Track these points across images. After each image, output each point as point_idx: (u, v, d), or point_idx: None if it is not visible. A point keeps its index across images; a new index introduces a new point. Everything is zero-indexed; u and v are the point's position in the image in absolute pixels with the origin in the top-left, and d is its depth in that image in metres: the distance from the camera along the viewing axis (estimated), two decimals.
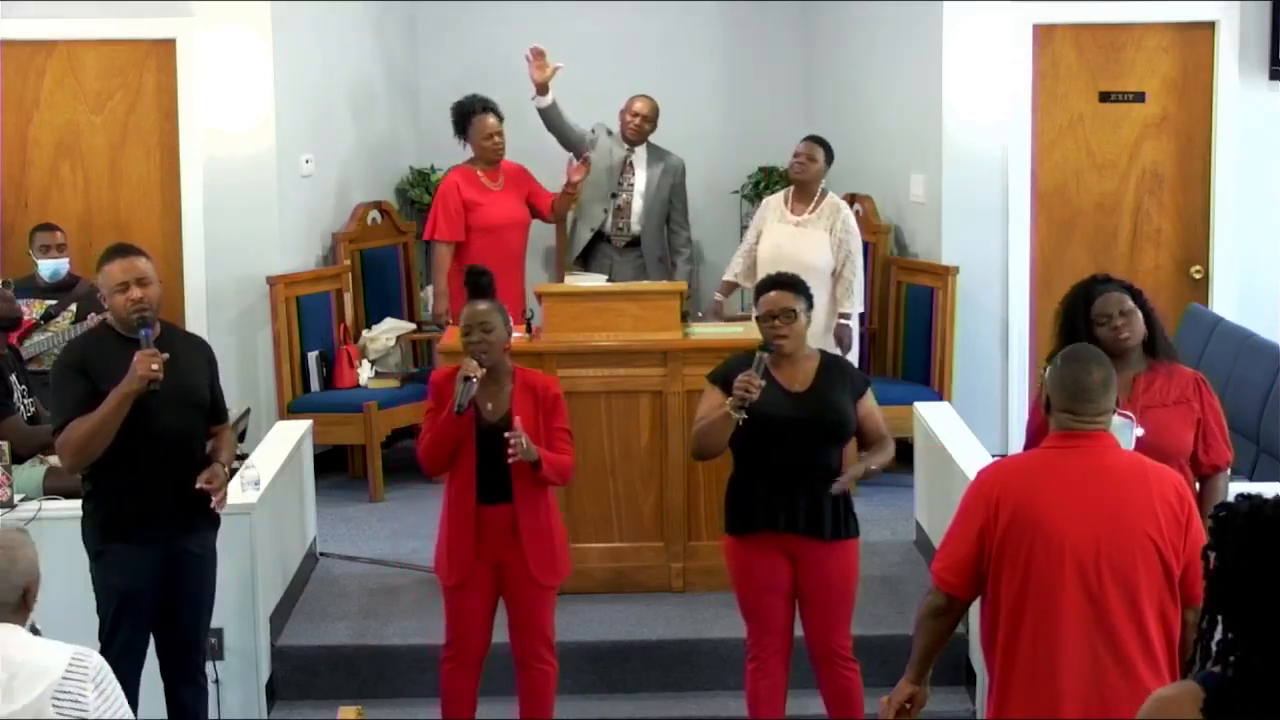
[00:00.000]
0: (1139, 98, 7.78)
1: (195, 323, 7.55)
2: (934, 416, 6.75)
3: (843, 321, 7.19)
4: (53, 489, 5.60)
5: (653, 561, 6.37)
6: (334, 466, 7.93)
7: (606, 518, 6.36)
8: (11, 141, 7.73)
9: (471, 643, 5.15)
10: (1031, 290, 7.81)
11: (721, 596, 5.77)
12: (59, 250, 7.03)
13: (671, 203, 7.93)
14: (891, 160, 8.22)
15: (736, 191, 8.80)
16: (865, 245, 7.68)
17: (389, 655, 5.91)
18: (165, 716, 5.00)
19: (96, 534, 4.83)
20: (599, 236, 7.91)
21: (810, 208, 7.23)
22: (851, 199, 7.78)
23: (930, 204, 7.93)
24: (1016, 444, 7.02)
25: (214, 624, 5.13)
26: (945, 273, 7.71)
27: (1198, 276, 7.84)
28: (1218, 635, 2.65)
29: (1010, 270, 7.81)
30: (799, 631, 5.05)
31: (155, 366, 4.63)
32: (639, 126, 7.83)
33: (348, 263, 8.09)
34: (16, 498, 5.51)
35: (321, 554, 6.82)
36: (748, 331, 6.22)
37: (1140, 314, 4.69)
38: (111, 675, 3.13)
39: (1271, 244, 7.78)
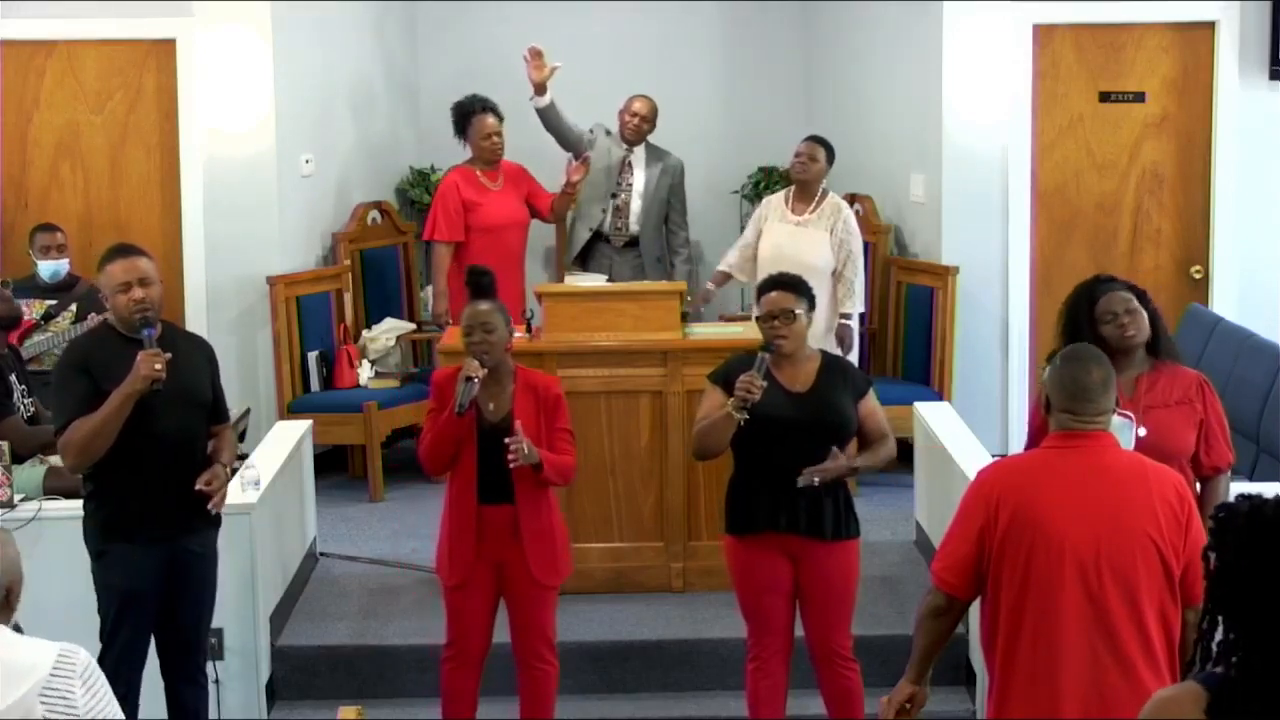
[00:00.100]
0: (1139, 98, 7.78)
1: (195, 323, 7.55)
2: (934, 416, 6.76)
3: (844, 321, 7.20)
4: (53, 489, 5.60)
5: (653, 561, 6.37)
6: (334, 466, 7.93)
7: (606, 518, 6.36)
8: (11, 141, 7.73)
9: (472, 643, 5.15)
10: (1031, 290, 7.81)
11: (721, 596, 5.77)
12: (59, 251, 7.03)
13: (670, 203, 7.93)
14: (891, 160, 8.22)
15: (736, 191, 8.80)
16: (865, 245, 7.68)
17: (389, 655, 5.91)
18: (165, 716, 5.00)
19: (98, 534, 4.83)
20: (597, 236, 7.91)
21: (811, 208, 7.24)
22: (851, 199, 7.78)
23: (930, 204, 7.93)
24: (1016, 444, 7.03)
25: (214, 624, 5.13)
26: (945, 273, 7.71)
27: (1198, 276, 7.84)
28: (1218, 636, 2.65)
29: (1010, 270, 7.81)
30: (799, 631, 5.06)
31: (158, 366, 4.63)
32: (638, 127, 7.83)
33: (348, 263, 8.09)
34: (16, 498, 5.51)
35: (321, 554, 6.82)
36: (747, 331, 6.23)
37: (1145, 313, 4.70)
38: (99, 672, 3.12)
39: (1271, 244, 7.78)
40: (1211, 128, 7.75)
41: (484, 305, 5.05)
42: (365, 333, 8.04)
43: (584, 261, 7.90)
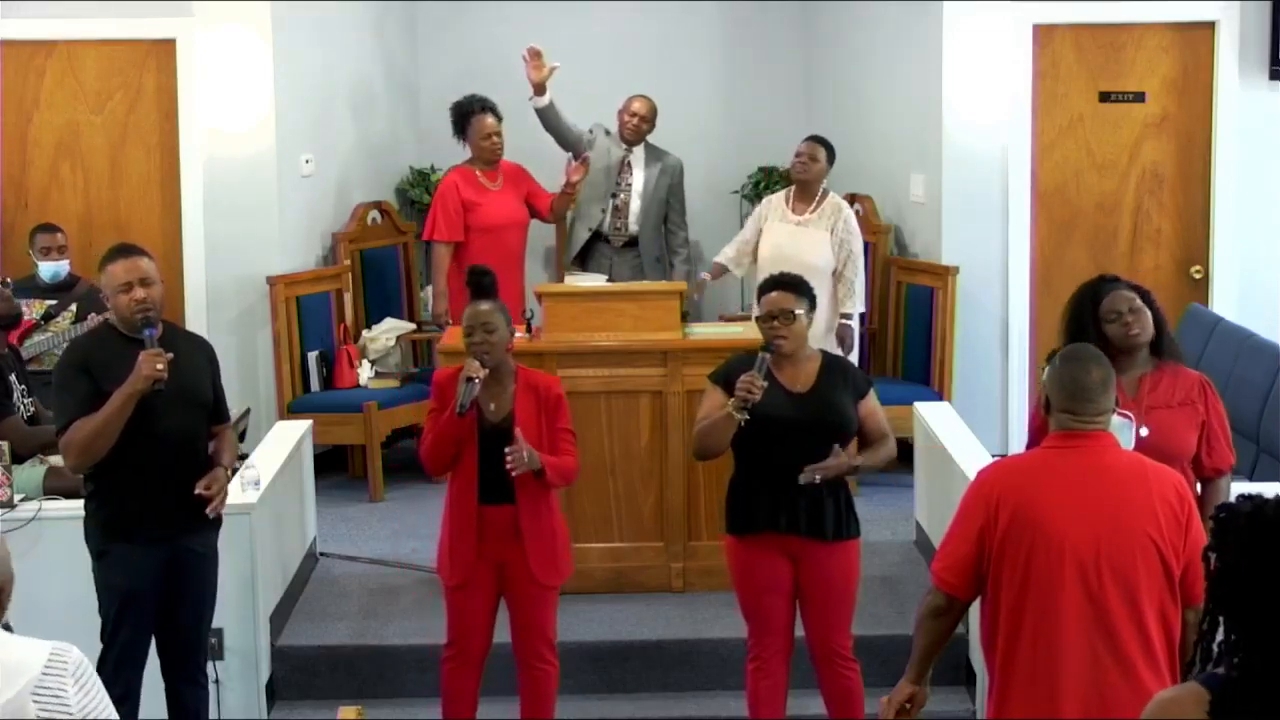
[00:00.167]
0: (1139, 98, 7.78)
1: (195, 323, 7.55)
2: (934, 416, 6.76)
3: (845, 321, 7.20)
4: (53, 489, 5.60)
5: (653, 561, 6.37)
6: (334, 466, 7.93)
7: (606, 518, 6.36)
8: (11, 141, 7.73)
9: (473, 643, 5.15)
10: (1031, 290, 7.81)
11: (721, 596, 5.77)
12: (59, 252, 7.03)
13: (669, 203, 7.94)
14: (891, 160, 8.22)
15: (736, 191, 8.80)
16: (865, 245, 7.68)
17: (389, 655, 5.91)
18: (166, 716, 5.00)
19: (99, 534, 4.83)
20: (597, 236, 7.92)
21: (811, 207, 7.24)
22: (852, 199, 7.78)
23: (930, 204, 7.93)
24: (1016, 444, 7.04)
25: (214, 624, 5.13)
26: (945, 273, 7.71)
27: (1198, 276, 7.84)
28: (1219, 636, 2.65)
29: (1010, 270, 7.81)
30: (799, 631, 5.06)
31: (160, 366, 4.63)
32: (637, 127, 7.84)
33: (348, 263, 8.09)
34: (16, 498, 5.51)
35: (321, 554, 6.82)
36: (747, 331, 6.23)
37: (1149, 313, 4.70)
38: (92, 669, 3.11)
39: (1271, 244, 7.78)
40: (1211, 128, 7.75)
41: (485, 305, 5.05)
42: (365, 333, 8.04)
43: (583, 261, 7.90)
